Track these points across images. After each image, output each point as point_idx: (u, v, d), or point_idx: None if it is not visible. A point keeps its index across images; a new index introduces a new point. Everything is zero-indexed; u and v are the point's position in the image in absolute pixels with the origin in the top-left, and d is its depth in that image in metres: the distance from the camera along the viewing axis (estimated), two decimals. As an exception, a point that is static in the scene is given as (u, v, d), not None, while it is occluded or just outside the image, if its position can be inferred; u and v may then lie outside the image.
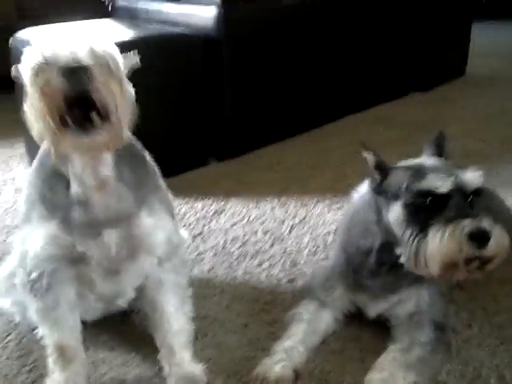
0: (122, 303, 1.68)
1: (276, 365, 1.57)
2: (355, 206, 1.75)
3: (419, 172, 1.49)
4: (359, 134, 3.38)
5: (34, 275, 1.41)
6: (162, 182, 1.54)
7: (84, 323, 1.62)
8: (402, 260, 1.51)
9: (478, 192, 1.48)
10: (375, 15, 3.66)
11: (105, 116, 1.19)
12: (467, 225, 1.39)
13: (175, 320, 1.56)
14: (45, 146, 1.34)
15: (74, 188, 1.34)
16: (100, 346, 1.74)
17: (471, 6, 4.44)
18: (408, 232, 1.47)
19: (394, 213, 1.51)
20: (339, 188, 2.64)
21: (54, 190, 1.35)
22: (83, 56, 1.16)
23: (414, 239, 1.45)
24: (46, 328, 1.50)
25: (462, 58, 4.51)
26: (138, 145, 1.48)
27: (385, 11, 3.73)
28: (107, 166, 1.34)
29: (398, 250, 1.54)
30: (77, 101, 1.15)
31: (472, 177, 1.49)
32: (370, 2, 3.61)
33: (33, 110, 1.15)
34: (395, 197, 1.51)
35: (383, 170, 1.57)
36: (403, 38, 3.91)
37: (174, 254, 1.53)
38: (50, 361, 1.53)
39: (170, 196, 1.57)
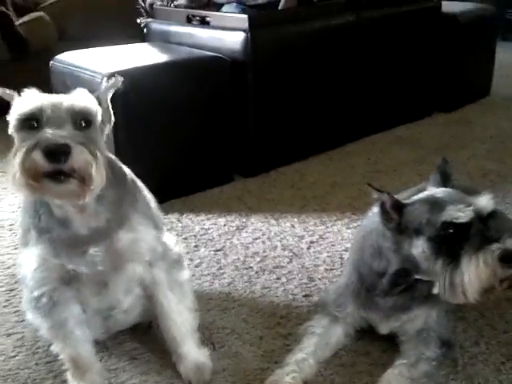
0: (124, 316, 1.77)
1: (287, 376, 1.65)
2: (367, 226, 1.80)
3: (436, 205, 1.54)
4: (379, 153, 3.46)
5: (35, 294, 1.52)
6: (144, 195, 1.63)
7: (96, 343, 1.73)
8: (436, 291, 1.57)
9: (492, 214, 1.55)
10: (398, 36, 3.73)
11: (79, 176, 1.30)
12: (496, 249, 1.45)
13: (176, 314, 1.68)
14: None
15: (55, 211, 1.44)
16: (122, 355, 1.84)
17: (496, 27, 4.47)
18: (438, 264, 1.52)
19: (419, 248, 1.56)
20: (358, 206, 2.72)
21: (40, 215, 1.45)
22: (65, 136, 1.28)
23: (446, 270, 1.50)
24: (58, 344, 1.61)
25: (487, 79, 4.52)
26: (118, 162, 1.57)
27: (409, 32, 3.79)
28: None
29: (418, 276, 1.61)
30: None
31: (486, 201, 1.55)
32: (392, 24, 3.68)
33: (13, 175, 1.27)
34: (417, 232, 1.55)
35: (399, 208, 1.60)
36: (427, 58, 3.96)
37: (162, 259, 1.63)
38: (68, 374, 1.65)
39: (153, 205, 1.66)
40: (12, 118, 1.36)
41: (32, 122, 1.32)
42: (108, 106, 1.49)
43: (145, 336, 1.93)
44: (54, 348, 1.65)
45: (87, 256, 1.47)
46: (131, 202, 1.55)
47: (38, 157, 1.25)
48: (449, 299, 1.54)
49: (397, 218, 1.59)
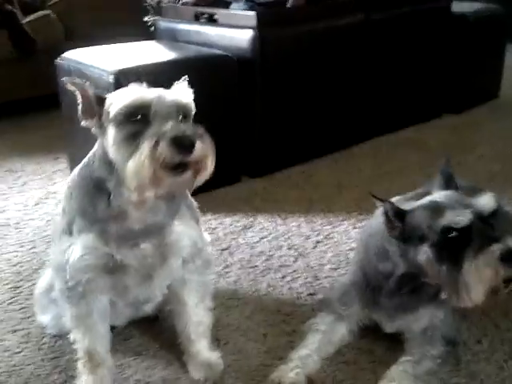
0: (148, 308, 1.81)
1: (291, 371, 1.66)
2: (373, 226, 1.80)
3: (437, 210, 1.55)
4: (385, 155, 3.46)
5: (71, 283, 1.51)
6: (188, 193, 1.64)
7: (113, 328, 1.74)
8: (443, 296, 1.59)
9: (494, 213, 1.55)
10: (407, 37, 3.72)
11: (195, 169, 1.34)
12: (496, 249, 1.45)
13: (195, 313, 1.70)
14: (87, 159, 1.47)
15: (114, 203, 1.44)
16: (128, 350, 1.85)
17: (505, 28, 4.45)
18: (443, 270, 1.53)
19: (424, 254, 1.56)
20: (364, 207, 2.71)
21: (94, 204, 1.45)
22: (191, 132, 1.32)
23: (450, 276, 1.51)
24: (79, 334, 1.61)
25: (496, 81, 4.51)
26: None
27: (418, 33, 3.78)
28: None
29: (425, 279, 1.61)
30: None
31: (486, 201, 1.55)
32: (402, 24, 3.68)
33: (141, 167, 1.28)
34: (420, 239, 1.56)
35: (401, 216, 1.60)
36: (436, 60, 3.95)
37: (198, 256, 1.64)
38: (80, 364, 1.65)
39: (195, 202, 1.67)
40: (113, 109, 1.36)
41: (137, 115, 1.33)
42: None
43: (150, 332, 1.94)
44: (73, 336, 1.63)
45: (138, 249, 1.49)
46: (182, 195, 1.57)
47: (167, 148, 1.27)
48: (456, 304, 1.54)
49: (400, 225, 1.60)
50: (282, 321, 1.97)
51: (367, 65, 3.52)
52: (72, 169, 3.10)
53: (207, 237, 1.75)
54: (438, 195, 1.65)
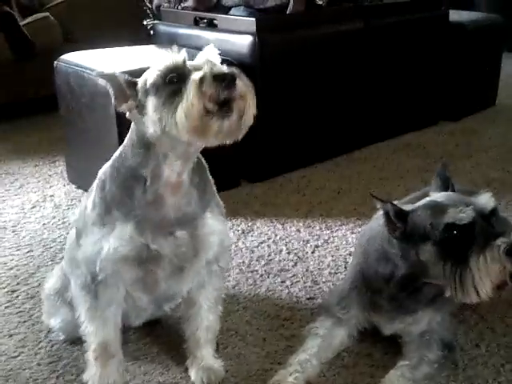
0: (168, 307, 1.81)
1: (290, 376, 1.66)
2: (372, 229, 1.81)
3: (438, 209, 1.56)
4: (384, 160, 3.46)
5: (101, 276, 1.51)
6: (215, 188, 1.66)
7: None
8: (447, 294, 1.58)
9: (494, 212, 1.57)
10: (406, 44, 3.73)
11: (239, 110, 1.35)
12: (501, 244, 1.46)
13: (206, 318, 1.70)
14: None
15: (151, 189, 1.45)
16: (126, 355, 1.80)
17: (502, 37, 4.46)
18: (447, 267, 1.53)
19: (426, 253, 1.57)
20: (363, 212, 2.72)
21: (130, 193, 1.46)
22: (234, 70, 1.34)
23: (456, 273, 1.51)
24: (94, 326, 1.59)
25: (493, 89, 4.51)
26: (199, 155, 1.59)
27: (416, 41, 3.79)
28: (188, 169, 1.48)
29: (427, 280, 1.62)
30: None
31: (486, 199, 1.57)
32: (400, 31, 3.69)
33: (190, 107, 1.29)
34: (423, 238, 1.57)
35: (403, 216, 1.61)
36: (434, 67, 3.96)
37: (223, 256, 1.66)
38: (91, 357, 1.63)
39: (222, 202, 1.68)
40: (150, 80, 1.39)
41: (174, 75, 1.35)
42: None
43: (148, 337, 1.93)
44: (87, 329, 1.61)
45: (173, 238, 1.50)
46: (212, 192, 1.61)
47: (212, 84, 1.29)
48: (462, 300, 1.56)
49: (402, 226, 1.60)
50: (281, 325, 1.97)
51: (366, 71, 3.52)
52: (69, 172, 3.15)
53: (232, 237, 1.76)
54: (438, 196, 1.66)
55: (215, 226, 1.57)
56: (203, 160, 1.60)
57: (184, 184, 1.48)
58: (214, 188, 1.63)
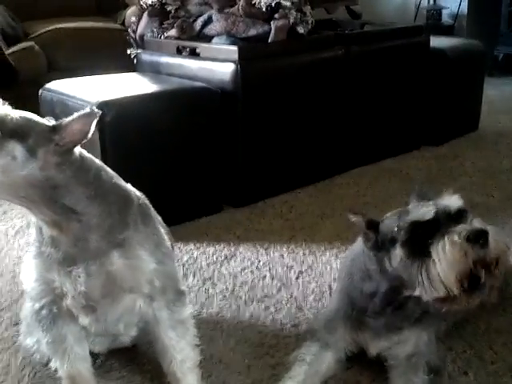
0: (125, 340, 1.78)
1: (276, 404, 1.64)
2: (355, 250, 1.82)
3: (403, 212, 1.59)
4: (367, 185, 3.48)
5: (36, 305, 1.52)
6: (153, 220, 1.60)
7: (95, 360, 1.72)
8: (417, 293, 1.54)
9: (461, 212, 1.54)
10: (387, 71, 3.77)
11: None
12: (462, 229, 1.45)
13: (177, 351, 1.63)
14: None
15: (45, 231, 1.45)
16: (109, 376, 1.82)
17: (483, 62, 4.52)
18: (414, 266, 1.52)
19: (397, 257, 1.56)
20: (346, 237, 2.71)
21: (38, 230, 1.48)
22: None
23: (421, 267, 1.50)
24: (57, 360, 1.58)
25: (475, 114, 4.55)
26: (121, 181, 1.55)
27: (397, 67, 3.83)
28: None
29: (407, 292, 1.60)
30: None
31: (451, 199, 1.57)
32: (381, 58, 3.73)
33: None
34: (391, 242, 1.58)
35: (374, 226, 1.63)
36: (415, 92, 4.01)
37: (162, 294, 1.57)
38: None
39: (164, 232, 1.64)
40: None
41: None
42: None
43: (131, 363, 1.91)
44: (53, 364, 1.60)
45: (71, 275, 1.45)
46: (134, 229, 1.49)
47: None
48: (431, 296, 1.52)
49: (373, 236, 1.62)
50: (266, 353, 1.95)
51: (347, 97, 3.55)
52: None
53: (177, 270, 1.70)
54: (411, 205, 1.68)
55: (132, 265, 1.47)
56: (131, 196, 1.54)
57: (71, 227, 1.40)
58: (146, 225, 1.54)
